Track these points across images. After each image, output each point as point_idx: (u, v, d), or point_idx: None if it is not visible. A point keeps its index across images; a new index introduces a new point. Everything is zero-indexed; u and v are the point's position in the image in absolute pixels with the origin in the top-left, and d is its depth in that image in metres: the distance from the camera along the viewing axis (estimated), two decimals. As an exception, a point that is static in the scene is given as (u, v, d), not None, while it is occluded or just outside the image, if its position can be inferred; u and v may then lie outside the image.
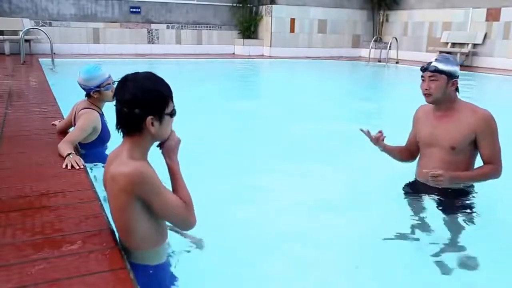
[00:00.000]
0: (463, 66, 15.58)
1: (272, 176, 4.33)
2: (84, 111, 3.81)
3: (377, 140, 3.32)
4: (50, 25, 15.56)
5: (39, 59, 12.86)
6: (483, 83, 13.27)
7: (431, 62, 3.15)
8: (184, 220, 2.09)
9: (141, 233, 2.05)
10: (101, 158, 3.67)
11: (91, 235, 2.24)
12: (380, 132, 3.34)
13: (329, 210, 3.59)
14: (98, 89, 3.77)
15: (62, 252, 2.07)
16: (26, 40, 13.65)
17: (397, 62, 16.30)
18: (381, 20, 19.31)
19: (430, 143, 3.27)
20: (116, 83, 3.35)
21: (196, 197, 3.00)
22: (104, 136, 3.94)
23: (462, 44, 16.25)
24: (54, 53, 12.42)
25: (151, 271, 2.12)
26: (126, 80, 1.98)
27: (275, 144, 5.58)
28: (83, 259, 2.02)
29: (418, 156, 3.51)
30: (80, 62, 12.58)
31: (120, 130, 2.04)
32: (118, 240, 2.17)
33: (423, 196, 3.40)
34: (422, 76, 3.18)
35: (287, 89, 11.02)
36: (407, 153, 3.53)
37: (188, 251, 2.53)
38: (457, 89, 3.18)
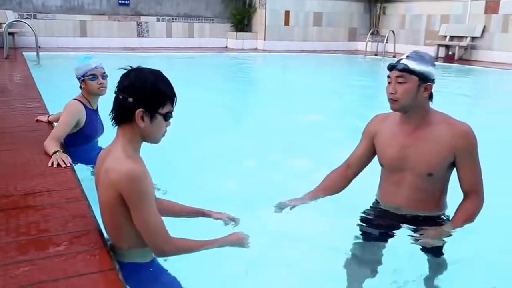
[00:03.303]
0: (461, 60, 15.36)
1: (264, 172, 4.31)
2: (68, 103, 3.72)
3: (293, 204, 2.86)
4: (34, 17, 15.12)
5: (24, 53, 12.59)
6: (482, 77, 13.14)
7: (401, 59, 2.53)
8: (154, 246, 2.03)
9: (130, 230, 2.03)
10: (86, 156, 3.64)
11: (79, 236, 2.21)
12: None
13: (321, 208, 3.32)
14: (83, 78, 3.69)
15: (48, 253, 2.04)
16: (10, 33, 13.19)
17: (394, 56, 15.90)
18: (378, 12, 19.05)
19: (400, 167, 2.64)
20: (106, 75, 3.64)
21: (185, 194, 2.89)
22: (88, 132, 3.80)
23: (460, 37, 16.00)
24: (39, 47, 12.12)
25: (139, 269, 2.10)
26: (131, 70, 2.00)
27: (268, 140, 5.59)
28: (70, 260, 1.98)
29: (380, 178, 2.88)
30: (66, 56, 12.39)
31: (112, 119, 2.02)
32: (106, 238, 2.15)
33: (390, 226, 2.79)
34: (388, 77, 2.56)
35: (281, 84, 10.86)
36: (341, 180, 2.92)
37: None
38: (430, 97, 2.57)
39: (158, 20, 17.10)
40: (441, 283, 2.64)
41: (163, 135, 2.07)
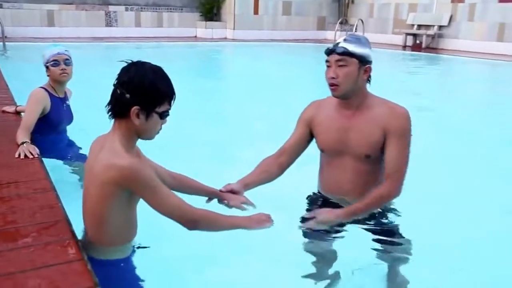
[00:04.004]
0: (429, 48, 15.60)
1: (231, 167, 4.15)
2: (32, 91, 3.67)
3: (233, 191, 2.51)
4: (1, 6, 14.80)
5: (-11, 43, 12.39)
6: (449, 65, 13.35)
7: (338, 43, 2.47)
8: (182, 221, 2.06)
9: (115, 227, 2.04)
10: (53, 146, 3.67)
11: (47, 227, 2.19)
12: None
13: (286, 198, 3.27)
14: (46, 64, 3.65)
15: (16, 245, 2.03)
16: (-26, 23, 12.90)
17: (363, 45, 16.11)
18: (346, 1, 19.12)
19: (340, 150, 2.58)
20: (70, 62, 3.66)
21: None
22: (54, 120, 3.73)
23: (428, 26, 16.24)
24: (6, 37, 11.92)
25: (116, 266, 2.10)
26: (132, 64, 1.98)
27: (238, 129, 5.65)
28: (38, 251, 1.97)
29: (320, 165, 2.79)
30: (34, 46, 12.13)
31: (108, 111, 2.00)
32: (84, 232, 2.13)
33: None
34: (327, 61, 2.49)
35: (250, 73, 10.79)
36: (274, 168, 2.74)
37: (148, 247, 2.37)
38: (369, 79, 2.53)
39: (126, 9, 16.90)
40: (395, 276, 2.63)
41: (158, 132, 2.06)
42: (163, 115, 2.00)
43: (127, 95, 1.91)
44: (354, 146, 2.53)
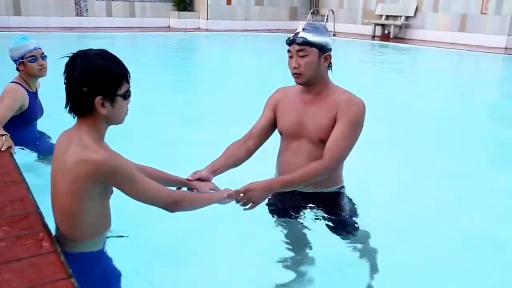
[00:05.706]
0: (396, 38, 15.94)
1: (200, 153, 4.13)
2: (9, 87, 3.56)
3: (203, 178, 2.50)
4: (-38, -6, 14.54)
5: (-48, 32, 12.06)
6: (414, 55, 13.71)
7: (298, 33, 2.53)
8: (165, 205, 2.08)
9: (88, 221, 1.99)
10: (24, 139, 3.61)
11: (18, 219, 2.14)
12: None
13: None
14: (21, 60, 3.54)
15: None
16: None
17: (334, 35, 16.33)
18: (317, -8, 19.37)
19: (297, 134, 2.65)
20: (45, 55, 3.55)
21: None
22: (30, 116, 3.68)
23: (395, 17, 16.62)
24: None
25: (91, 258, 2.05)
26: (75, 57, 1.89)
27: (214, 118, 5.61)
28: (9, 245, 1.91)
29: (279, 150, 2.84)
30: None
31: (70, 111, 1.93)
32: (55, 227, 2.06)
33: (293, 204, 2.76)
34: (288, 51, 2.56)
35: (223, 65, 10.84)
36: (242, 151, 2.77)
37: (126, 236, 2.36)
38: (330, 66, 2.61)
39: (97, -2, 16.82)
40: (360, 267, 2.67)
41: (126, 114, 2.02)
42: (126, 96, 1.96)
43: (85, 89, 1.85)
44: (309, 129, 2.60)
